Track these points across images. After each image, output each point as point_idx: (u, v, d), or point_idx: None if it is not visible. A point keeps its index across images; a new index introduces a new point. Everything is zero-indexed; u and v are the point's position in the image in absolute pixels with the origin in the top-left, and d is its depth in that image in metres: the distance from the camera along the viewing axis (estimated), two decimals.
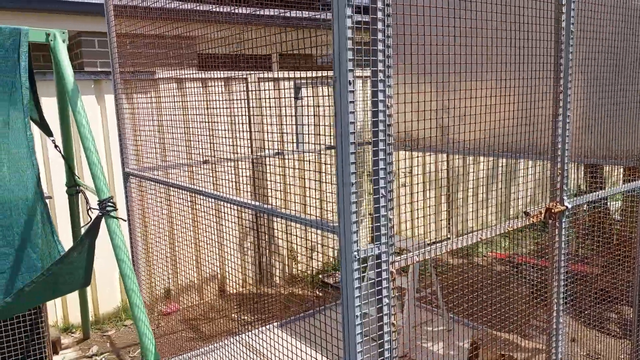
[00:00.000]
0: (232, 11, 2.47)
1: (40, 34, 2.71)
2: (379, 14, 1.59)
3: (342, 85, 1.56)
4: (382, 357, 1.77)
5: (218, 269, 5.27)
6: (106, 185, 2.58)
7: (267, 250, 5.50)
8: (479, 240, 2.05)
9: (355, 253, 1.63)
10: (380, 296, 1.73)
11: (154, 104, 4.21)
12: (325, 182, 5.52)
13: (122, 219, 2.60)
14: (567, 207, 2.48)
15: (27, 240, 2.72)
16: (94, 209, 2.59)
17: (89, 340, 4.33)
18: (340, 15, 1.53)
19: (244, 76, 5.15)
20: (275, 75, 5.34)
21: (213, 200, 4.41)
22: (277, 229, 5.50)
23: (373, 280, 1.72)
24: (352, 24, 1.54)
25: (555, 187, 2.45)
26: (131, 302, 2.46)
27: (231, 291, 5.32)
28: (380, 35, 1.60)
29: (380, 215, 1.68)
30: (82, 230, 3.93)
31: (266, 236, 5.48)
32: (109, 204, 2.54)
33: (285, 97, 5.36)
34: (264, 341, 3.69)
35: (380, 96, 1.62)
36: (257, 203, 2.12)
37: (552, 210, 2.41)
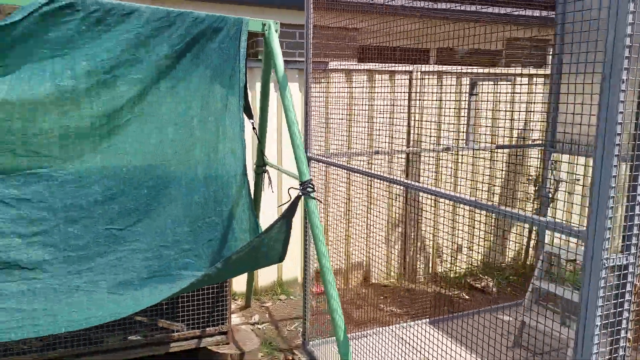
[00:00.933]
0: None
1: (257, 23, 2.95)
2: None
3: (611, 85, 1.49)
4: None
5: (364, 257, 5.37)
6: (307, 169, 2.74)
7: (415, 245, 5.50)
8: None
9: (605, 261, 1.55)
10: (622, 309, 1.64)
11: (337, 94, 4.37)
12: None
13: (320, 200, 2.74)
14: None
15: (234, 213, 2.99)
16: (294, 189, 2.77)
17: (250, 308, 4.67)
18: (620, 10, 1.45)
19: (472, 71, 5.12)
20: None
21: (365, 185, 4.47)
22: (426, 224, 5.46)
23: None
24: (633, 20, 1.46)
25: None
26: (325, 280, 2.60)
27: (375, 281, 5.41)
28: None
29: (634, 224, 1.58)
30: (255, 212, 4.23)
31: (414, 229, 5.47)
32: (309, 185, 2.70)
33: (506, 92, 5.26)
34: (415, 336, 3.71)
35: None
36: (473, 198, 2.11)
37: None
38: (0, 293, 2.58)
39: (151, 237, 2.85)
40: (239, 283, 4.87)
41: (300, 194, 2.71)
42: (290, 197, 2.85)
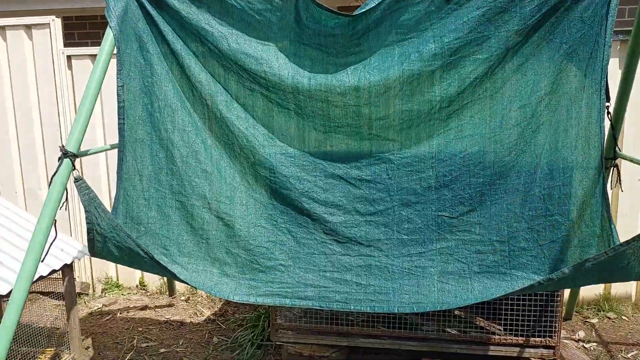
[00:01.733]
0: None
1: None
2: None
3: None
4: None
5: None
6: None
7: None
8: None
9: None
10: None
11: None
12: None
13: None
14: None
15: (583, 214, 2.53)
16: None
17: (571, 322, 4.08)
18: None
19: None
20: None
21: None
22: None
23: None
24: None
25: None
26: None
27: None
28: None
29: None
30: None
31: None
32: None
33: None
34: None
35: None
36: None
37: None
38: (341, 265, 2.78)
39: (484, 229, 2.64)
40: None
41: None
42: None
